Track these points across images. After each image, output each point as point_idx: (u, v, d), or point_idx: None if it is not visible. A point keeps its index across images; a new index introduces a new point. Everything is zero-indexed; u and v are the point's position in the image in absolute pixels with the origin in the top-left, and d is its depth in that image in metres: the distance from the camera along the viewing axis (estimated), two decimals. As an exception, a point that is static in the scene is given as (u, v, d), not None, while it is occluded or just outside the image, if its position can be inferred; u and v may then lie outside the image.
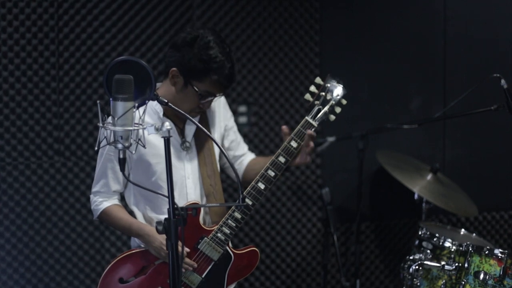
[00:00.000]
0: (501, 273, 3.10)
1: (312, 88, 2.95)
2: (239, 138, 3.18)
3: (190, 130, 2.97)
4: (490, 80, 3.10)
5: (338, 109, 2.97)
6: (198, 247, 2.87)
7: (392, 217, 4.59)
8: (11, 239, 3.78)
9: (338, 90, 2.95)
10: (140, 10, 3.93)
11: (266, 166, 2.89)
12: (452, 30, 4.60)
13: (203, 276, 2.88)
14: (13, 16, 3.70)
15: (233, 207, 2.88)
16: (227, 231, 2.87)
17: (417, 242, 3.64)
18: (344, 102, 2.97)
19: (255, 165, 3.11)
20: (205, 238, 2.87)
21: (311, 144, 2.92)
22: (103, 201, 2.94)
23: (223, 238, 2.87)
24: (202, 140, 2.99)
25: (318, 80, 2.97)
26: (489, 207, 4.77)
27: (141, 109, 2.26)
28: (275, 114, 4.25)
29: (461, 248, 3.24)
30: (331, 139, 4.14)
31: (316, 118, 2.92)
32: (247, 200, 2.86)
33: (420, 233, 3.63)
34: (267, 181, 2.88)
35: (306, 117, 2.92)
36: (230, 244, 2.94)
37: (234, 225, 2.87)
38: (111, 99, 2.17)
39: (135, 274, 2.85)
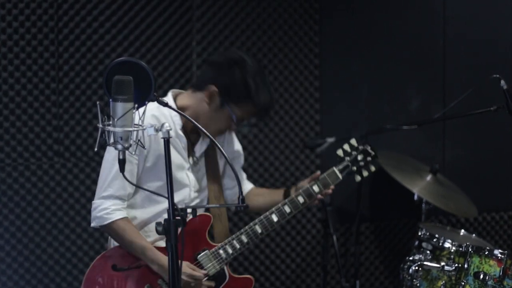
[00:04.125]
0: (500, 273, 3.09)
1: (346, 147, 3.07)
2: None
3: (200, 147, 2.96)
4: (490, 81, 3.11)
5: (365, 173, 3.10)
6: (198, 257, 2.86)
7: (391, 218, 4.59)
8: (10, 240, 3.78)
9: (371, 156, 3.09)
10: (140, 11, 3.92)
11: (283, 201, 2.96)
12: (452, 30, 4.60)
13: None
14: (13, 17, 3.69)
15: (241, 231, 2.90)
16: (229, 250, 2.88)
17: (416, 243, 3.63)
18: (373, 169, 3.09)
19: None
20: (207, 250, 2.87)
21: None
22: (116, 210, 2.77)
23: (224, 256, 2.87)
24: (211, 162, 3.00)
25: (353, 141, 3.10)
26: (488, 208, 4.77)
27: (141, 110, 2.26)
28: (275, 115, 4.25)
29: (460, 249, 3.23)
30: (330, 140, 4.14)
31: (343, 172, 3.05)
32: (256, 227, 2.90)
33: (419, 233, 3.62)
34: (281, 215, 2.95)
35: (334, 168, 3.05)
36: (228, 267, 2.94)
37: (238, 247, 2.88)
38: (110, 100, 2.17)
39: (130, 264, 2.81)
